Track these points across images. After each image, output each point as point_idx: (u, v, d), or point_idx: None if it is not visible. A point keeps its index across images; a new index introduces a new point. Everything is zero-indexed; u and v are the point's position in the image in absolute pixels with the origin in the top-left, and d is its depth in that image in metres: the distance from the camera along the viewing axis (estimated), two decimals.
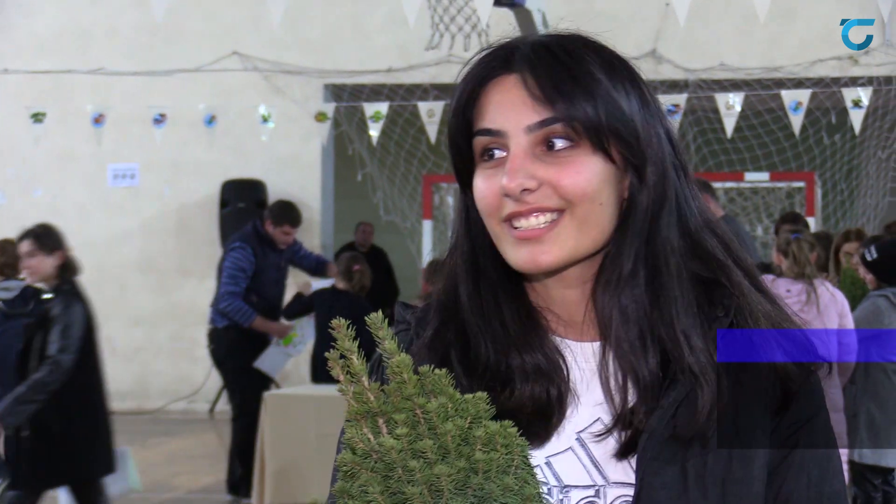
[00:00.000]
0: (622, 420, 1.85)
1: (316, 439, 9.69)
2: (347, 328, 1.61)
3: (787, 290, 8.17)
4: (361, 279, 11.07)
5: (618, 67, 1.91)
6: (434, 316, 1.96)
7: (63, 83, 18.33)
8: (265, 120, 15.59)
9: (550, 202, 1.84)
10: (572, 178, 1.84)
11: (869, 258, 8.88)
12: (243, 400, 11.23)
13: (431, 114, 14.56)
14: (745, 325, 1.90)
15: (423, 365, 1.61)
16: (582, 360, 1.91)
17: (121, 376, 17.40)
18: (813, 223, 14.87)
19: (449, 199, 16.68)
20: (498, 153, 1.88)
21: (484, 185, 1.89)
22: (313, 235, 18.10)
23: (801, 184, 16.14)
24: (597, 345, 1.91)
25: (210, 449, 14.77)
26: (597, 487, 1.85)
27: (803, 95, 14.08)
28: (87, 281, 17.64)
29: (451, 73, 17.43)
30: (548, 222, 1.84)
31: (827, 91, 15.50)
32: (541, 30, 11.38)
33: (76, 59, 18.50)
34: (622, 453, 1.85)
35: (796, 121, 13.99)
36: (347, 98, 17.77)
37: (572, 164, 1.85)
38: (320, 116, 15.29)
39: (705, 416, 1.81)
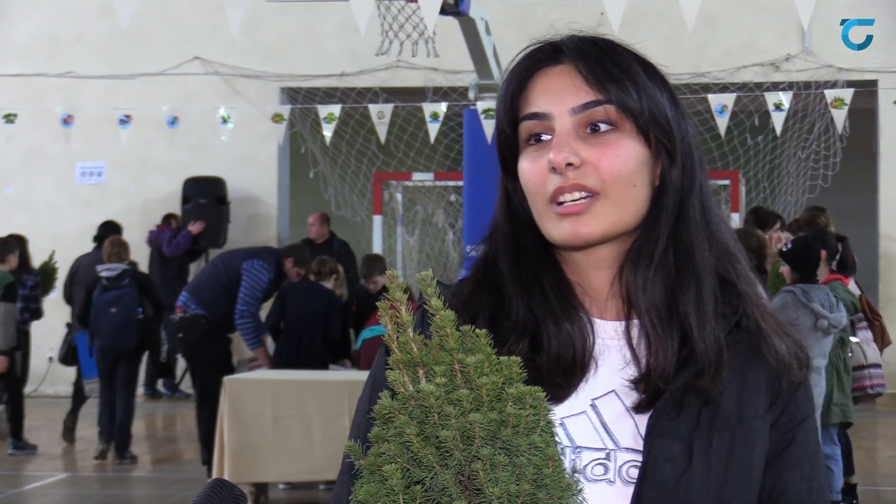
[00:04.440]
0: (644, 384, 1.88)
1: (272, 421, 9.67)
2: (395, 280, 1.63)
3: None
4: (325, 267, 11.12)
5: (651, 67, 1.97)
6: (470, 280, 1.99)
7: (34, 86, 18.22)
8: (225, 121, 15.52)
9: (589, 181, 1.87)
10: (611, 160, 1.87)
11: (784, 249, 8.99)
12: (211, 389, 11.14)
13: (381, 115, 14.54)
14: (750, 324, 1.93)
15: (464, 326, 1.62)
16: (604, 335, 1.93)
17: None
18: (737, 219, 14.95)
19: (398, 195, 16.68)
20: (544, 137, 1.91)
21: (530, 165, 1.91)
22: (269, 229, 18.07)
23: (726, 182, 16.23)
24: (620, 323, 1.93)
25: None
26: (607, 451, 1.86)
27: (728, 99, 14.14)
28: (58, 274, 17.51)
29: (400, 78, 17.51)
30: (586, 199, 1.86)
31: (750, 95, 15.57)
32: (484, 37, 11.40)
33: (46, 64, 18.39)
34: (638, 409, 1.87)
35: (722, 123, 14.05)
36: (302, 100, 17.73)
37: (613, 146, 1.88)
38: (276, 118, 15.24)
39: (710, 398, 1.85)
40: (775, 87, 16.27)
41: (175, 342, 11.81)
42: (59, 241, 17.34)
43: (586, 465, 1.86)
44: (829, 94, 13.88)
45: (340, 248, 15.72)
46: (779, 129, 14.18)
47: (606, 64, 1.91)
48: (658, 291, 1.90)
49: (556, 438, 1.63)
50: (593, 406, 1.89)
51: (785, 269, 8.87)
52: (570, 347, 1.89)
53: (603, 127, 1.89)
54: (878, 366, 9.67)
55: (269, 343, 11.92)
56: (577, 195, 1.86)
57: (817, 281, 8.85)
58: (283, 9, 17.43)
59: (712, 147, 17.45)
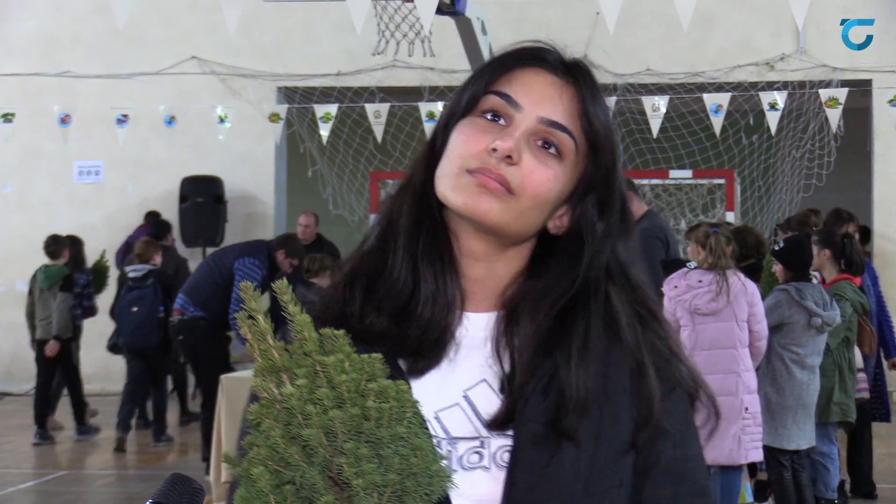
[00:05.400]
0: (508, 378, 1.90)
1: None
2: (253, 290, 1.65)
3: (699, 281, 8.21)
4: (315, 264, 11.10)
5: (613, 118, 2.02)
6: (357, 251, 2.03)
7: (31, 85, 18.21)
8: (222, 120, 15.52)
9: (512, 182, 1.89)
10: (541, 178, 1.90)
11: (776, 248, 9.01)
12: (214, 389, 11.13)
13: (378, 115, 14.55)
14: (613, 313, 1.95)
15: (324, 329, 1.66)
16: (475, 327, 1.96)
17: (86, 360, 17.31)
18: (732, 217, 14.96)
19: None
20: (501, 121, 1.93)
21: (473, 133, 1.93)
22: (266, 228, 18.06)
23: (721, 181, 16.22)
24: (490, 315, 1.96)
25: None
26: (481, 439, 1.89)
27: (723, 98, 14.16)
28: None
29: (397, 77, 17.51)
30: (500, 190, 1.89)
31: (745, 94, 15.58)
32: (480, 37, 11.40)
33: (43, 63, 18.39)
34: (507, 395, 1.90)
35: (717, 122, 14.07)
36: (299, 100, 17.72)
37: (549, 169, 1.92)
38: (273, 117, 15.26)
39: (573, 389, 1.87)
40: (770, 86, 16.28)
41: (175, 344, 11.81)
42: None
43: (462, 455, 1.88)
44: (824, 93, 13.90)
45: (328, 249, 15.72)
46: (773, 129, 14.20)
47: (596, 103, 1.96)
48: (544, 303, 1.94)
49: (427, 430, 1.68)
50: (465, 397, 1.92)
51: (777, 268, 8.88)
52: (438, 321, 1.93)
53: (553, 150, 1.92)
54: (861, 370, 9.66)
55: None
56: (494, 184, 1.88)
57: (810, 279, 8.86)
58: (279, 8, 17.41)
59: (707, 146, 17.47)
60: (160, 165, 18.24)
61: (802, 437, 8.64)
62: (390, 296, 1.95)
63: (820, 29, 16.84)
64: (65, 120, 15.21)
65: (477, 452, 1.89)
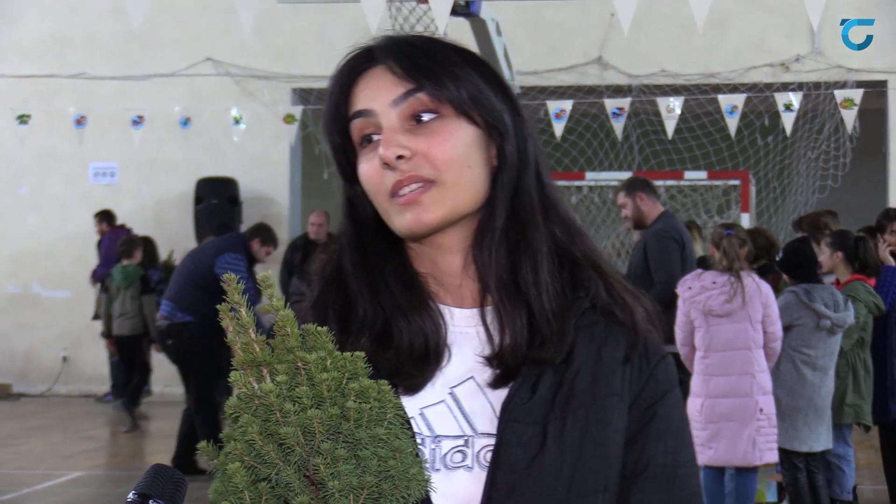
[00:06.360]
0: (497, 360, 1.89)
1: None
2: (237, 283, 1.65)
3: (713, 282, 8.21)
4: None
5: (473, 56, 1.98)
6: (317, 281, 2.00)
7: (46, 87, 18.25)
8: (237, 122, 15.56)
9: (423, 171, 1.88)
10: (440, 146, 1.88)
11: (777, 259, 9.04)
12: (206, 393, 11.14)
13: None
14: (602, 302, 1.94)
15: (307, 324, 1.65)
16: (461, 323, 1.95)
17: (102, 362, 17.35)
18: (747, 219, 14.94)
19: None
20: (375, 137, 1.91)
21: (367, 165, 1.92)
22: (282, 230, 18.06)
23: (736, 182, 16.20)
24: (474, 311, 1.95)
25: None
26: (466, 437, 1.87)
27: (738, 100, 14.14)
28: (68, 272, 17.61)
29: None
30: (423, 187, 1.87)
31: (760, 95, 15.57)
32: (495, 38, 11.41)
33: (58, 65, 18.43)
34: (492, 386, 1.89)
35: (732, 123, 14.05)
36: (314, 101, 17.73)
37: (440, 133, 1.89)
38: (288, 118, 15.27)
39: (555, 367, 1.87)
40: (785, 87, 16.26)
41: (164, 349, 11.77)
42: (72, 242, 17.39)
43: (445, 454, 1.87)
44: (839, 94, 13.88)
45: None
46: (789, 130, 14.18)
47: (417, 57, 1.92)
48: (503, 266, 1.92)
49: (410, 430, 1.67)
50: (452, 394, 1.90)
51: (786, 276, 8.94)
52: (421, 337, 1.90)
53: (426, 117, 1.90)
54: None
55: None
56: (414, 186, 1.87)
57: (819, 280, 8.86)
58: (294, 10, 17.44)
59: (722, 147, 17.45)
60: (175, 167, 18.27)
61: (815, 439, 8.63)
62: (364, 328, 1.93)
63: (835, 30, 16.78)
64: (80, 121, 15.25)
65: (460, 451, 1.87)
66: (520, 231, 1.93)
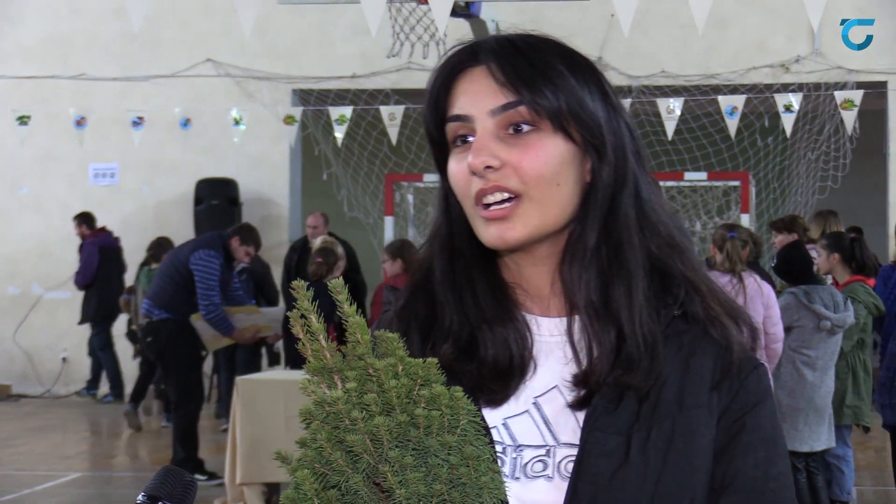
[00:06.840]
0: (583, 380, 1.86)
1: (285, 421, 9.67)
2: (307, 289, 1.63)
3: None
4: (322, 268, 11.03)
5: (577, 61, 1.93)
6: (405, 290, 1.99)
7: (47, 88, 18.25)
8: (237, 122, 15.57)
9: (510, 183, 1.85)
10: (532, 161, 1.85)
11: (772, 264, 9.05)
12: (186, 388, 11.14)
13: (392, 117, 14.57)
14: (697, 311, 1.91)
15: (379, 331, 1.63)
16: (546, 333, 1.92)
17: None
18: (747, 220, 14.94)
19: (409, 196, 16.70)
20: (470, 138, 1.89)
21: (456, 167, 1.90)
22: (282, 231, 18.08)
23: (736, 183, 16.21)
24: (561, 320, 1.92)
25: None
26: (547, 447, 1.85)
27: (738, 101, 14.15)
28: (68, 273, 17.57)
29: (412, 80, 17.52)
30: (509, 201, 1.85)
31: (760, 96, 15.58)
32: None
33: (59, 66, 18.43)
34: (576, 406, 1.86)
35: (732, 124, 14.07)
36: (314, 102, 17.74)
37: (534, 147, 1.86)
38: (288, 119, 15.28)
39: (646, 391, 1.83)
40: (785, 88, 16.27)
41: (144, 346, 11.78)
42: (72, 243, 17.38)
43: (527, 463, 1.85)
44: (839, 95, 13.90)
45: (343, 247, 15.74)
46: (789, 131, 14.19)
47: (520, 64, 1.89)
48: (593, 287, 1.88)
49: (487, 438, 1.63)
50: (535, 404, 1.88)
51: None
52: (506, 351, 1.88)
53: (525, 128, 1.87)
54: None
55: (269, 310, 12.15)
56: (499, 196, 1.85)
57: (819, 281, 8.87)
58: (294, 11, 17.44)
59: (722, 148, 17.44)
60: (175, 168, 18.27)
61: (815, 439, 8.63)
62: (447, 336, 1.91)
63: (835, 30, 16.76)
64: (80, 122, 15.26)
65: (541, 461, 1.85)
66: (613, 251, 1.89)
